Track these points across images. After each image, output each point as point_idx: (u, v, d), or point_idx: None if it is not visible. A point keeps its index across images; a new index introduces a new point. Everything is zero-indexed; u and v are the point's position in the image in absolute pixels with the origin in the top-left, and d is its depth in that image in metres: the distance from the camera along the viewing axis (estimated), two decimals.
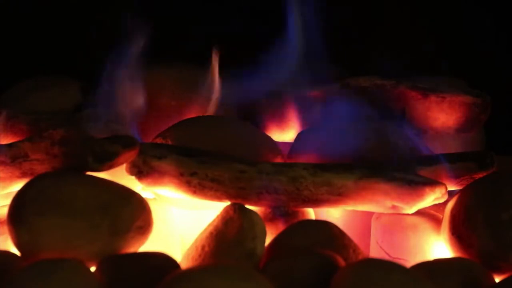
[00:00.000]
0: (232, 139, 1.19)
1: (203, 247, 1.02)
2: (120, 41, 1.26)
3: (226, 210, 1.03)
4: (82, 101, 1.39)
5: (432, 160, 1.16)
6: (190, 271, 0.92)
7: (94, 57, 1.26)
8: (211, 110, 1.30)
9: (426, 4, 1.56)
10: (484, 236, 1.06)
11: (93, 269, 0.98)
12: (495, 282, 1.03)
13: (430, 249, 1.12)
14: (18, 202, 1.02)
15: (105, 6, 1.51)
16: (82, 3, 1.54)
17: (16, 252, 1.02)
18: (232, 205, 1.03)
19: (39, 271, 0.92)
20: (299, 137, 1.25)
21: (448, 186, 1.12)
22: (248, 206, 1.03)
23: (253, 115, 1.34)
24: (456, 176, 1.15)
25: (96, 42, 1.35)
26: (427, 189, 1.10)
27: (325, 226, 1.06)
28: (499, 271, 1.06)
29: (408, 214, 1.13)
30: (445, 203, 1.12)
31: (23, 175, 1.08)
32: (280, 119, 1.33)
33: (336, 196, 1.11)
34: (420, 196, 1.10)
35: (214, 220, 1.04)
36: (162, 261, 0.98)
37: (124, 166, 1.09)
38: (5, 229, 1.03)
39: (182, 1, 1.54)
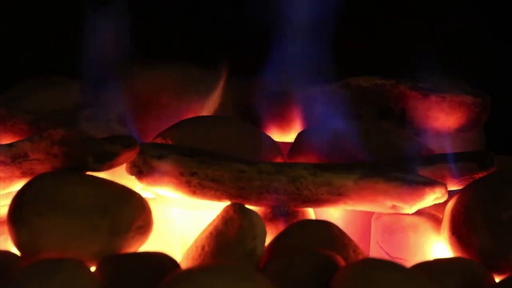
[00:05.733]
0: (232, 139, 1.19)
1: (203, 247, 1.02)
2: (120, 41, 1.26)
3: (226, 210, 1.03)
4: (82, 101, 1.39)
5: (432, 160, 1.16)
6: (190, 271, 0.91)
7: (93, 57, 1.26)
8: (211, 110, 1.30)
9: (426, 3, 1.56)
10: (484, 236, 1.06)
11: (93, 269, 0.98)
12: (495, 282, 1.03)
13: (430, 249, 1.12)
14: (18, 202, 1.02)
15: (105, 6, 1.51)
16: (82, 3, 1.54)
17: (16, 252, 1.02)
18: (232, 205, 1.03)
19: (39, 271, 0.92)
20: (299, 137, 1.25)
21: (448, 186, 1.12)
22: (248, 206, 1.03)
23: (253, 115, 1.34)
24: (456, 176, 1.15)
25: (95, 42, 1.35)
26: (427, 189, 1.10)
27: (325, 226, 1.06)
28: (499, 271, 1.06)
29: (408, 214, 1.13)
30: (445, 203, 1.12)
31: (23, 175, 1.08)
32: (280, 119, 1.33)
33: (336, 196, 1.11)
34: (420, 196, 1.10)
35: (214, 220, 1.04)
36: (162, 261, 0.98)
37: (124, 166, 1.09)
38: (5, 229, 1.03)
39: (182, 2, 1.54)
